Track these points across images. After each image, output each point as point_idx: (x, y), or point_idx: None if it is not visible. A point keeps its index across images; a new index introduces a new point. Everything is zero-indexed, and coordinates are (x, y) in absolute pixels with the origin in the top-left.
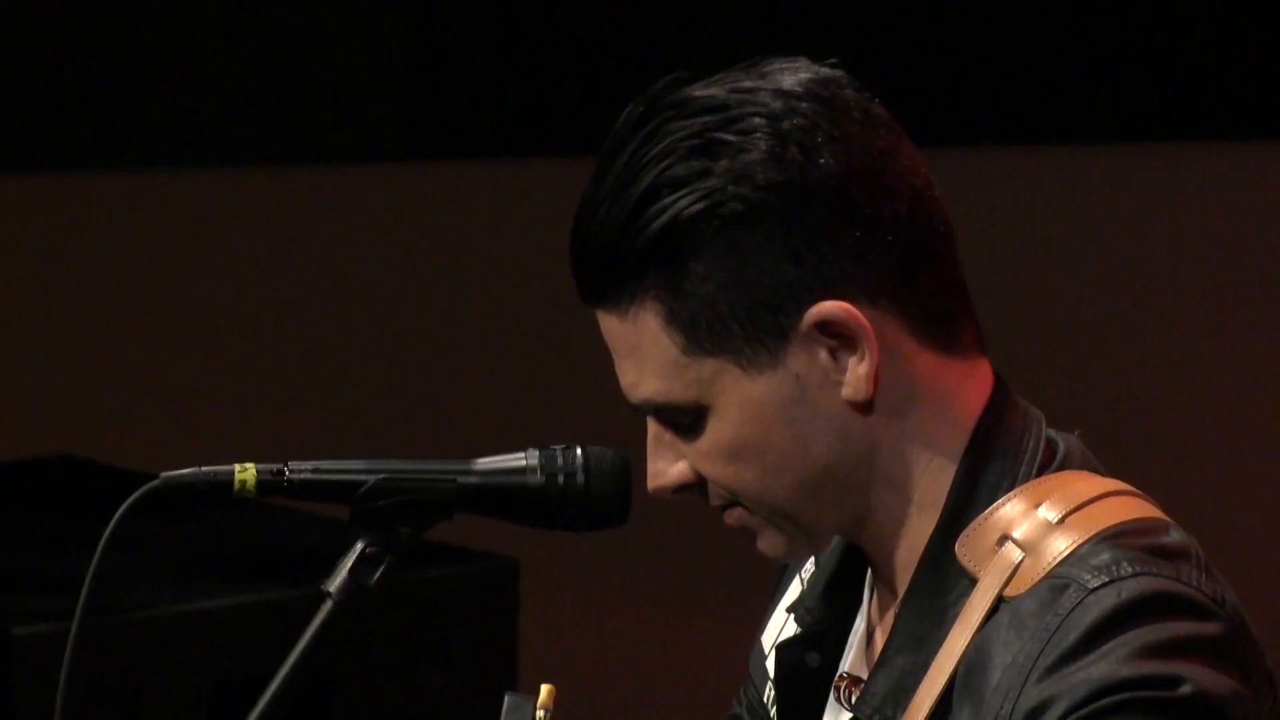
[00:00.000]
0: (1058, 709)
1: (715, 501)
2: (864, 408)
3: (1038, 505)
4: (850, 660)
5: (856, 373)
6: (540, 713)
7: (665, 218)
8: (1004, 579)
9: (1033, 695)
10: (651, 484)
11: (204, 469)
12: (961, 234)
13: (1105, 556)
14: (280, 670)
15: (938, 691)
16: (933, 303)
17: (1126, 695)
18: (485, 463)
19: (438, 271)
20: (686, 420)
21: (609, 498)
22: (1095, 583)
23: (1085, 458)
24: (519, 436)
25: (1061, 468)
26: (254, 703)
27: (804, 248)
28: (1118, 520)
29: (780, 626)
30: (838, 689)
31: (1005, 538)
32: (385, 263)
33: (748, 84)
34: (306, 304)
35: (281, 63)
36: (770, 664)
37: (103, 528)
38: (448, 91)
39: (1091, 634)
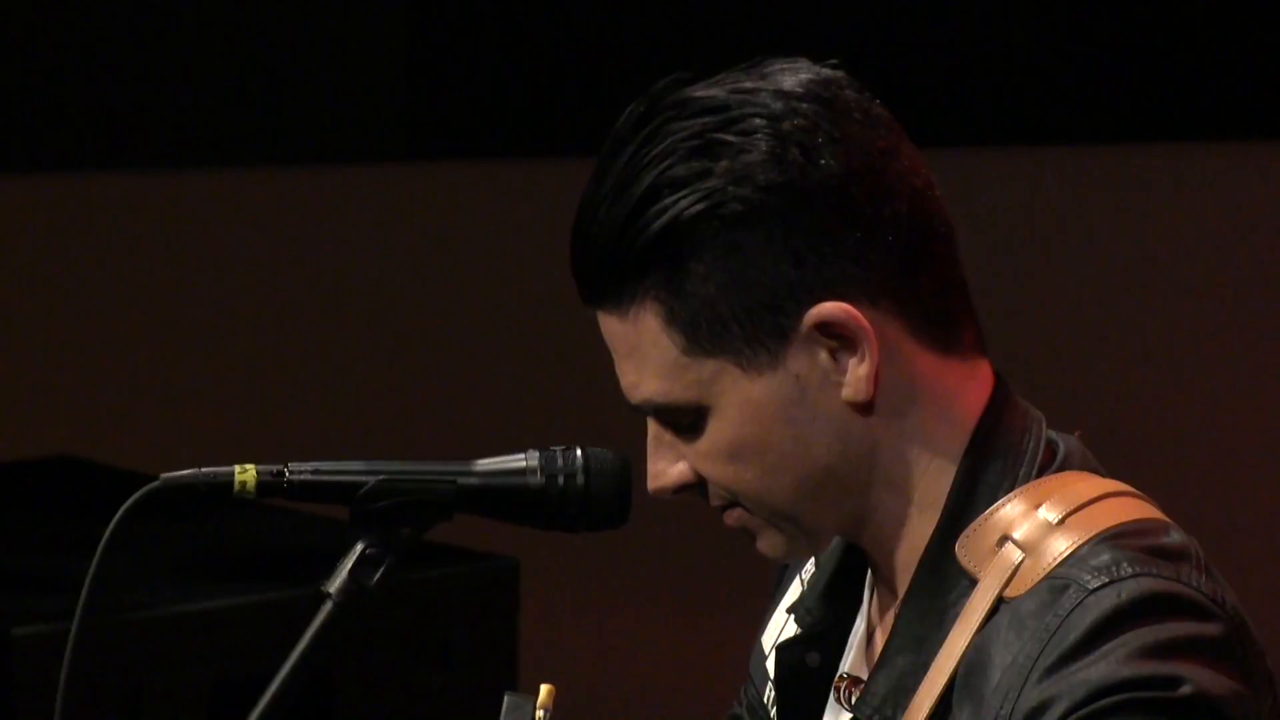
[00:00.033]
0: (1058, 709)
1: (715, 502)
2: (864, 408)
3: (1038, 506)
4: (850, 660)
5: (857, 373)
6: (540, 713)
7: (665, 218)
8: (1004, 579)
9: (1033, 695)
10: (651, 484)
11: (204, 470)
12: (961, 234)
13: (1105, 557)
14: (280, 670)
15: (938, 692)
16: (933, 303)
17: (1126, 695)
18: (485, 463)
19: (438, 271)
20: (686, 421)
21: (609, 498)
22: (1095, 583)
23: (1085, 458)
24: (519, 437)
25: (1062, 468)
26: (254, 703)
27: (804, 248)
28: (1118, 521)
29: (780, 627)
30: (838, 689)
31: (1005, 538)
32: (385, 263)
33: (748, 84)
34: (306, 304)
35: (281, 63)
36: (770, 664)
37: (103, 528)
38: (448, 91)
39: (1091, 634)
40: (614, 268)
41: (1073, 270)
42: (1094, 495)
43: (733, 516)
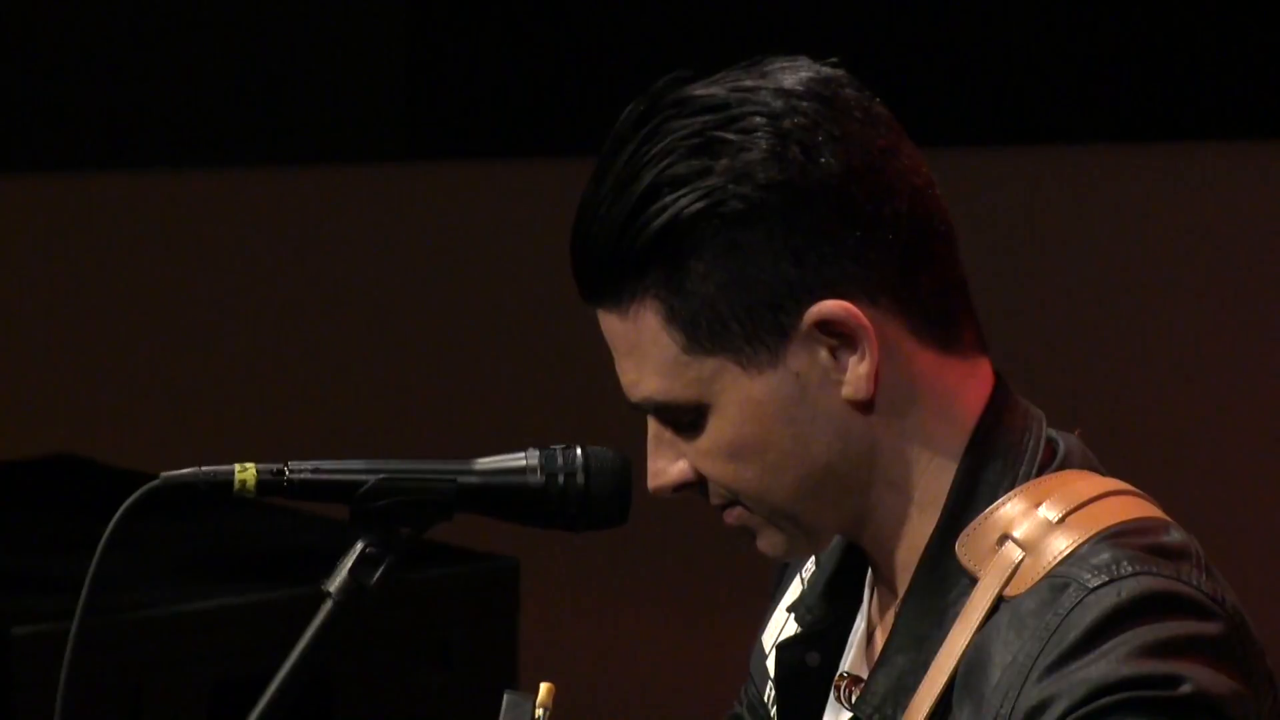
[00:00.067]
0: (1058, 708)
1: (715, 501)
2: (864, 407)
3: (1038, 505)
4: (850, 660)
5: (857, 372)
6: (539, 711)
7: (666, 216)
8: (1004, 578)
9: (1033, 694)
10: (652, 483)
11: (204, 469)
12: (961, 234)
13: (1105, 556)
14: (280, 670)
15: (938, 691)
16: (933, 302)
17: (1126, 694)
18: (485, 463)
19: (438, 271)
20: (687, 419)
21: (609, 498)
22: (1095, 582)
23: (1085, 457)
24: (519, 436)
25: (1062, 467)
26: (254, 703)
27: (804, 247)
28: (1118, 520)
29: (781, 626)
30: (838, 688)
31: (1005, 537)
32: (385, 263)
33: (748, 83)
34: (306, 304)
35: (281, 63)
36: (771, 663)
37: (103, 528)
38: (448, 91)
39: (1091, 633)
40: (614, 266)
41: (1073, 270)
42: (1094, 494)
43: (733, 515)
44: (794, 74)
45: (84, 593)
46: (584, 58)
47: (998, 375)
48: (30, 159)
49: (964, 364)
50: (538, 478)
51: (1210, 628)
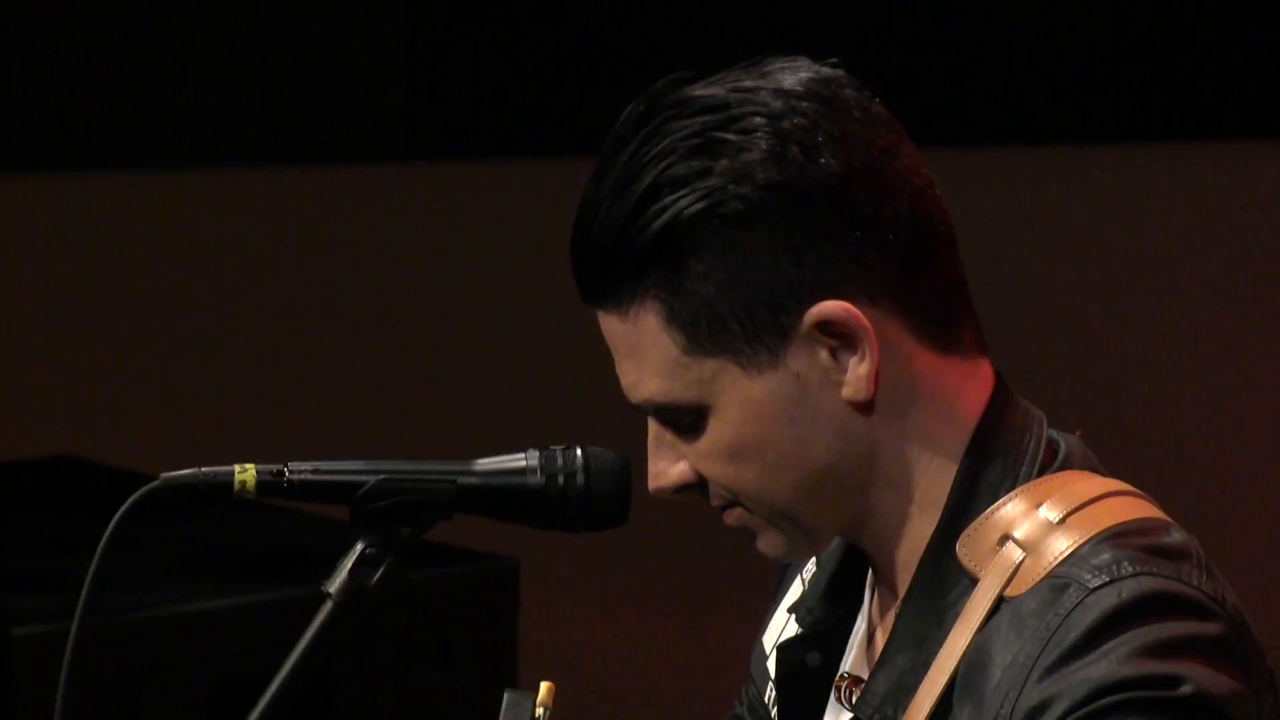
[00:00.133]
0: (1058, 708)
1: (715, 502)
2: (864, 408)
3: (1039, 505)
4: (851, 660)
5: (857, 372)
6: (540, 710)
7: (665, 217)
8: (1005, 579)
9: (1033, 695)
10: (652, 484)
11: (204, 469)
12: (961, 234)
13: (1106, 556)
14: (280, 670)
15: (938, 691)
16: (933, 302)
17: (1127, 695)
18: (485, 463)
19: (438, 271)
20: (687, 420)
21: (609, 498)
22: (1096, 582)
23: (1086, 458)
24: (519, 436)
25: (1062, 468)
26: (254, 703)
27: (804, 247)
28: (1119, 520)
29: (781, 626)
30: (838, 689)
31: (1006, 537)
32: (385, 263)
33: (748, 83)
34: (306, 304)
35: (281, 63)
36: (771, 664)
37: (103, 528)
38: (448, 91)
39: (1092, 633)
40: (614, 267)
41: (1073, 270)
42: (1095, 494)
43: (733, 516)
44: (794, 74)
45: (84, 593)
46: (584, 58)
47: (998, 375)
48: (30, 159)
49: (964, 364)
50: (537, 478)
51: (1211, 628)
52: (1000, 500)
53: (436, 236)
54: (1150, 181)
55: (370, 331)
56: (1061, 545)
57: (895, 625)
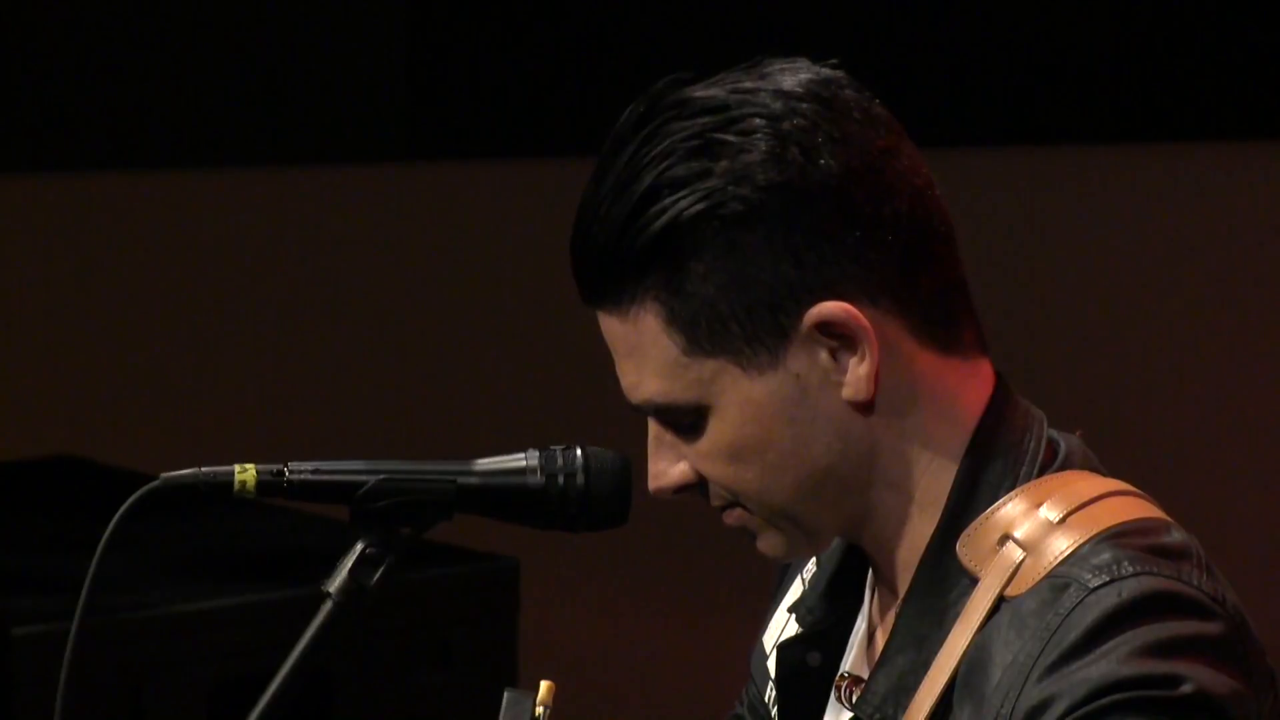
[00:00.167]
0: (1058, 708)
1: (716, 502)
2: (864, 408)
3: (1039, 505)
4: (851, 660)
5: (857, 373)
6: (540, 709)
7: (665, 218)
8: (1005, 578)
9: (1033, 694)
10: (652, 485)
11: (204, 469)
12: (961, 234)
13: (1106, 556)
14: (280, 670)
15: (938, 691)
16: (933, 302)
17: (1127, 694)
18: (485, 463)
19: (438, 271)
20: (687, 421)
21: (609, 498)
22: (1096, 582)
23: (1086, 458)
24: (519, 436)
25: (1063, 468)
26: (254, 703)
27: (804, 248)
28: (1119, 520)
29: (782, 626)
30: (839, 688)
31: (1006, 537)
32: (385, 263)
33: (748, 84)
34: (306, 304)
35: (281, 63)
36: (772, 664)
37: (103, 528)
38: (448, 91)
39: (1092, 633)
40: (614, 268)
41: (1073, 270)
42: (1095, 494)
43: (733, 516)
44: (793, 75)
45: (84, 593)
46: (584, 58)
47: (998, 376)
48: (30, 159)
49: (964, 364)
50: (537, 478)
51: (1211, 628)
52: (1000, 500)
53: (436, 236)
54: (1150, 181)
55: (370, 331)
56: (1062, 545)
57: (895, 625)
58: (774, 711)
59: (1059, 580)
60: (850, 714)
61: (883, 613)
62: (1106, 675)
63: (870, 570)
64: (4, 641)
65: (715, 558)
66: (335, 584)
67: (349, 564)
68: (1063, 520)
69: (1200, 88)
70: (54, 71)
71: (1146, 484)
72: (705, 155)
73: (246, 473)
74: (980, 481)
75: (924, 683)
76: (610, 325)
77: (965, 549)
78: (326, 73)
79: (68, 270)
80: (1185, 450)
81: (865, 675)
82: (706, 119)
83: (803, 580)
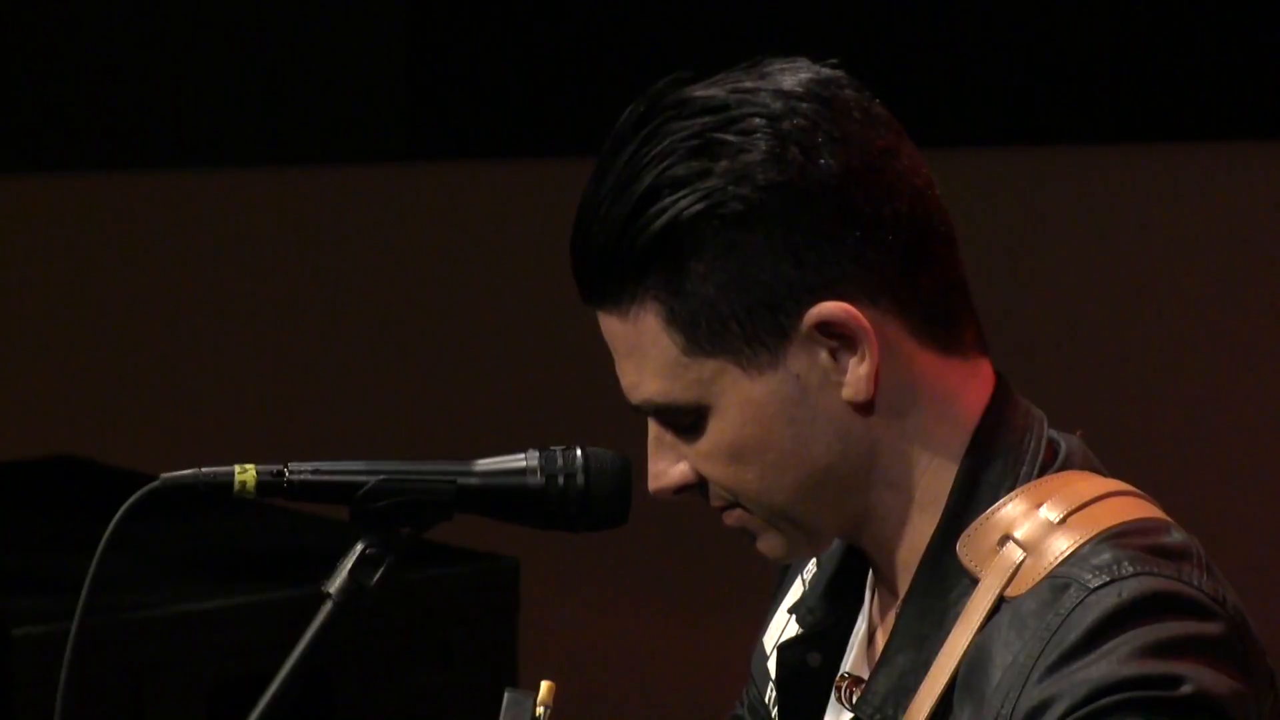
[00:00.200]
0: (1058, 708)
1: (716, 502)
2: (865, 408)
3: (1039, 505)
4: (851, 660)
5: (857, 373)
6: (540, 709)
7: (665, 218)
8: (1005, 579)
9: (1033, 695)
10: (652, 485)
11: (204, 470)
12: (961, 234)
13: (1106, 556)
14: (280, 670)
15: (939, 691)
16: (933, 302)
17: (1127, 695)
18: (485, 463)
19: (438, 271)
20: (687, 421)
21: (609, 498)
22: (1096, 582)
23: (1087, 458)
24: (519, 436)
25: (1063, 468)
26: (254, 703)
27: (804, 248)
28: (1119, 520)
29: (782, 627)
30: (839, 689)
31: (1006, 537)
32: (385, 263)
33: (748, 84)
34: (306, 304)
35: (281, 63)
36: (772, 664)
37: (103, 528)
38: (448, 91)
39: (1092, 633)
40: (614, 268)
41: (1073, 270)
42: (1095, 494)
43: (733, 517)
44: (793, 75)
45: (84, 593)
46: (584, 58)
47: (999, 376)
48: (30, 159)
49: (965, 364)
50: (537, 479)
51: (1211, 628)
52: (1001, 500)
53: (436, 236)
54: (1150, 181)
55: (370, 331)
56: (1062, 545)
57: (895, 625)
58: (774, 712)
59: (1059, 580)
60: (850, 714)
61: (883, 613)
62: (1107, 675)
63: (870, 571)
64: (4, 641)
65: (715, 558)
66: (335, 584)
67: (349, 564)
68: (1063, 520)
69: (1200, 88)
70: (54, 71)
71: (1146, 484)
72: (705, 155)
73: (246, 473)
74: (980, 482)
75: (924, 683)
76: (610, 325)
77: (965, 549)
78: (326, 73)
79: (68, 270)
80: (1185, 450)
81: (865, 676)
82: (706, 119)
83: (803, 581)
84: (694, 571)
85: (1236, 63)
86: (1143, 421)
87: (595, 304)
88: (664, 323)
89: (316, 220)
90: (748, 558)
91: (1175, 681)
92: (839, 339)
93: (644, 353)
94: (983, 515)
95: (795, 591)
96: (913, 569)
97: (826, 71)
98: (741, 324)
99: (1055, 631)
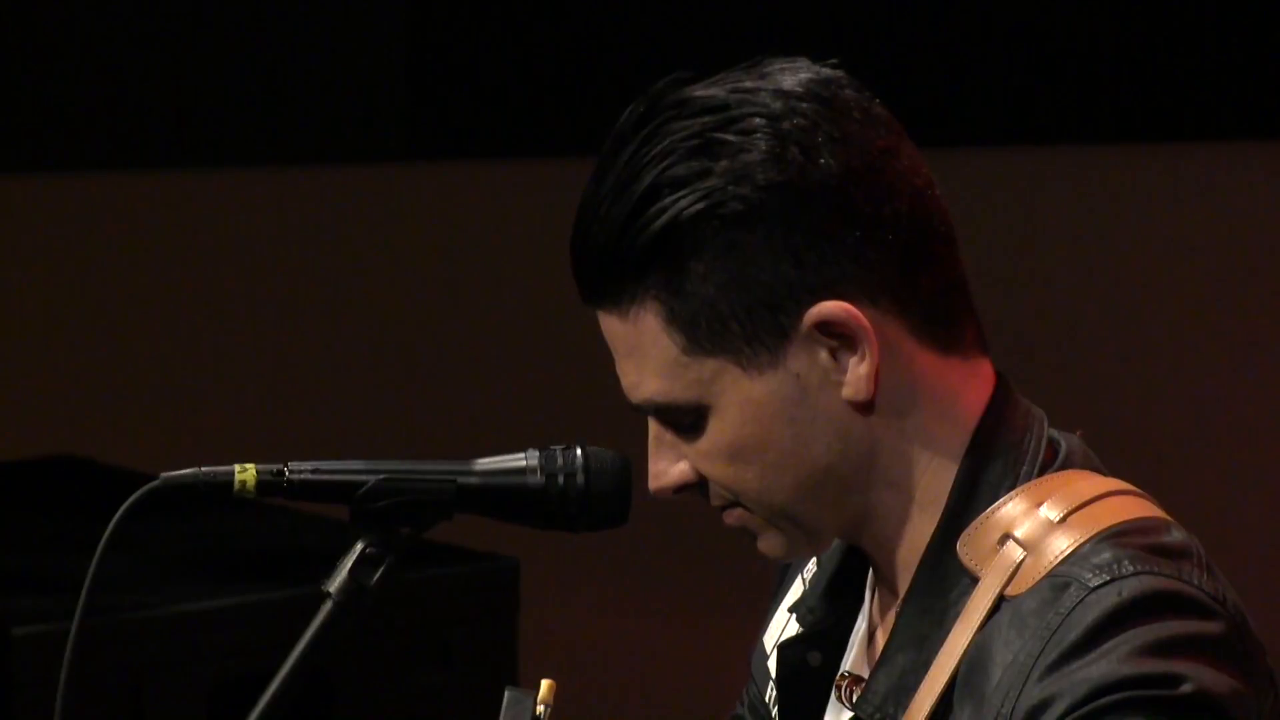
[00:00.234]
0: (1058, 707)
1: (716, 502)
2: (865, 408)
3: (1039, 504)
4: (851, 659)
5: (857, 373)
6: (540, 708)
7: (665, 218)
8: (1005, 578)
9: (1034, 694)
10: (652, 484)
11: (204, 469)
12: (961, 234)
13: (1106, 555)
14: (280, 670)
15: (939, 690)
16: (933, 302)
17: (1127, 694)
18: (485, 463)
19: (438, 271)
20: (687, 420)
21: (609, 498)
22: (1096, 581)
23: (1087, 457)
24: (519, 436)
25: (1063, 467)
26: (254, 703)
27: (804, 247)
28: (1119, 519)
29: (782, 626)
30: (839, 688)
31: (1007, 537)
32: (385, 263)
33: (748, 84)
34: (306, 304)
35: (281, 63)
36: (772, 663)
37: (103, 528)
38: (448, 91)
39: (1092, 632)
40: (614, 267)
41: (1073, 270)
42: (1095, 494)
43: (733, 516)
44: (793, 75)
45: (84, 593)
46: (584, 58)
47: (999, 375)
48: (30, 159)
49: (965, 364)
50: (537, 478)
51: (1211, 627)
52: (1001, 499)
53: (436, 236)
54: (1150, 181)
55: (370, 331)
56: (1062, 544)
57: (896, 624)
58: (774, 711)
59: (1059, 579)
60: (851, 714)
61: (883, 612)
62: (1107, 675)
63: (870, 570)
64: (4, 641)
65: (715, 558)
66: (335, 584)
67: (349, 564)
68: (1063, 520)
69: (1200, 88)
70: (54, 71)
71: (1146, 484)
72: (705, 155)
73: (246, 473)
74: (980, 481)
75: (924, 682)
76: (610, 325)
77: (966, 548)
78: (326, 73)
79: (68, 270)
80: (1185, 450)
81: (866, 675)
82: (707, 118)
83: (803, 580)
84: (694, 571)
85: (1236, 63)
86: (1143, 421)
87: (595, 304)
88: (664, 322)
89: (316, 220)
90: (748, 558)
91: (1175, 680)
92: (839, 339)
93: (644, 352)
94: (983, 514)
95: (795, 591)
96: (913, 568)
97: (827, 71)
98: (741, 324)
99: (1055, 630)
